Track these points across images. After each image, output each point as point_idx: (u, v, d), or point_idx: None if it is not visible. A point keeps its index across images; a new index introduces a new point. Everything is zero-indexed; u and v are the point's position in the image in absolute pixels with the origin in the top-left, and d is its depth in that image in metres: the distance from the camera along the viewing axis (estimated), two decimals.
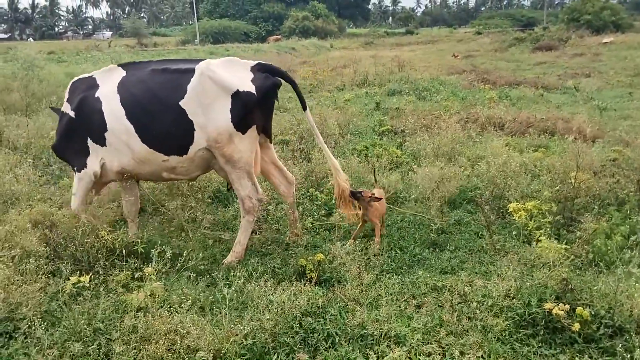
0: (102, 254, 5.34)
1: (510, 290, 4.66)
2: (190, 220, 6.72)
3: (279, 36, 70.48)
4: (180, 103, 5.55)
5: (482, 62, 29.53)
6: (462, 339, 4.13)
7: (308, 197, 7.32)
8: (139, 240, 5.64)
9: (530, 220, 5.78)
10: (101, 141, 5.86)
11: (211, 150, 5.66)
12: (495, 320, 4.33)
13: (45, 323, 4.27)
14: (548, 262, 5.01)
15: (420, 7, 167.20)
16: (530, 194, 6.83)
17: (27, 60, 21.93)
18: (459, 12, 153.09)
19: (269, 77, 5.71)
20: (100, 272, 5.09)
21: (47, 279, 4.89)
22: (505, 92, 16.26)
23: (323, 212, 7.09)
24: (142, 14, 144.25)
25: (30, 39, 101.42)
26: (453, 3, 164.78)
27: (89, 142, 5.94)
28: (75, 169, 6.12)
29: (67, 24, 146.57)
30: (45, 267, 4.95)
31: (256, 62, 5.85)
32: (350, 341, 4.19)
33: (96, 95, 5.85)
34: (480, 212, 6.46)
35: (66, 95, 6.13)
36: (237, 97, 5.51)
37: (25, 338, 4.14)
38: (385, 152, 9.15)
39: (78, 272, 4.99)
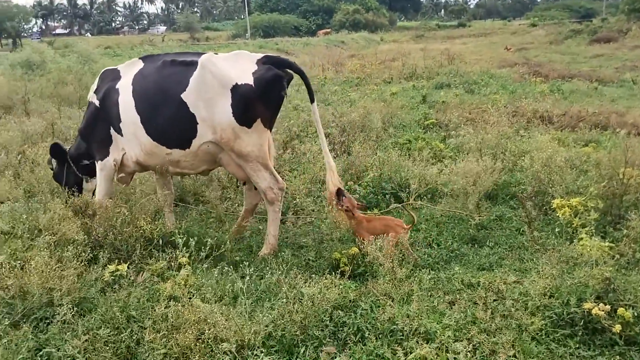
0: (140, 244, 5.43)
1: (548, 288, 4.50)
2: (228, 211, 6.76)
3: (328, 30, 70.55)
4: (181, 96, 5.52)
5: (536, 54, 28.74)
6: (494, 337, 4.00)
7: (347, 190, 7.24)
8: (176, 231, 5.69)
9: (575, 217, 5.55)
10: (120, 131, 5.96)
11: (220, 145, 5.61)
12: (531, 319, 4.18)
13: (81, 309, 4.38)
14: (590, 261, 4.80)
15: None
16: (576, 190, 6.57)
17: (83, 55, 22.66)
18: (514, 4, 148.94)
19: (271, 68, 5.50)
20: (137, 261, 5.18)
21: (86, 267, 4.99)
22: (557, 85, 15.77)
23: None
24: (195, 9, 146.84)
25: (88, 34, 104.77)
26: None
27: (112, 131, 6.04)
28: (97, 157, 6.22)
29: (123, 20, 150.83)
30: (84, 254, 5.06)
31: (263, 54, 5.73)
32: (380, 336, 4.12)
33: (116, 87, 5.96)
34: (522, 208, 6.27)
35: (94, 86, 6.26)
36: (236, 91, 5.40)
37: (63, 324, 4.22)
38: (428, 146, 9.00)
39: (116, 260, 5.09)
